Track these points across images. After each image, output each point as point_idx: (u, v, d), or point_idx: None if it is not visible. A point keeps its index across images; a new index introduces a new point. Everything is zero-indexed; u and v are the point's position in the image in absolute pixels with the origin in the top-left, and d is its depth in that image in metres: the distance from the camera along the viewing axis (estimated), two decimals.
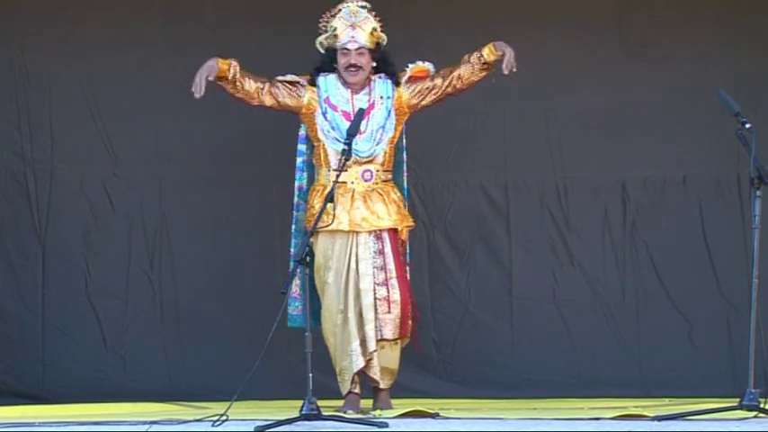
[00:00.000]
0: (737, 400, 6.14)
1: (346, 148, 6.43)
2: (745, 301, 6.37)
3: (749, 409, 6.11)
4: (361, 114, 6.57)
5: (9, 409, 6.93)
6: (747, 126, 6.29)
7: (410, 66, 6.86)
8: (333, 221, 6.53)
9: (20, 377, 7.63)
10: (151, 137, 7.81)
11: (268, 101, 6.79)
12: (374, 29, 6.79)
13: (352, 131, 6.48)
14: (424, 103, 6.84)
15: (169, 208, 7.82)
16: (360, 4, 6.82)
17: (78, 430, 5.74)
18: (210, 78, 6.71)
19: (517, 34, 7.77)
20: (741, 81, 7.71)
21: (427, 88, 6.81)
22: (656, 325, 7.85)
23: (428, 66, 6.86)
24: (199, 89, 6.70)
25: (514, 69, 6.71)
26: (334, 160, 6.68)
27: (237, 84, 6.75)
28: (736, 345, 7.48)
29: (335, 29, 6.79)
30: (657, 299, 7.86)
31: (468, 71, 6.79)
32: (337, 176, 6.45)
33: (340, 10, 6.81)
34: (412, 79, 6.84)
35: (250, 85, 6.76)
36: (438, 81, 6.81)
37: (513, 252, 7.87)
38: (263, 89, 6.77)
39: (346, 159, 6.45)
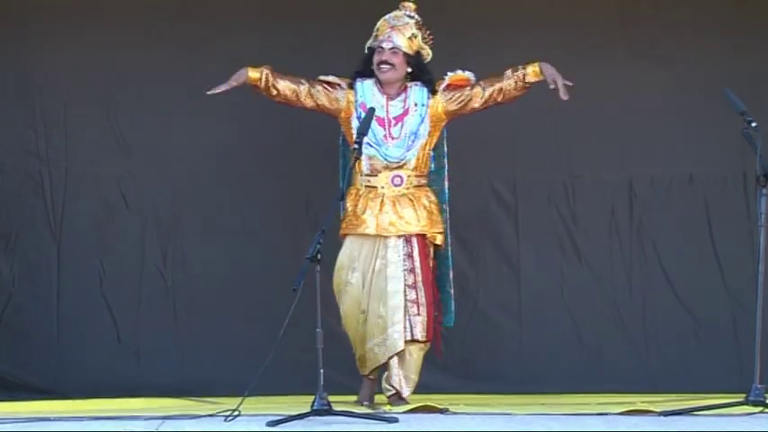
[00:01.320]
0: (743, 395, 6.11)
1: (356, 147, 6.39)
2: (750, 298, 6.33)
3: (755, 404, 6.08)
4: (371, 114, 6.53)
5: (25, 404, 6.94)
6: (753, 125, 6.27)
7: (449, 74, 6.82)
8: (358, 226, 6.61)
9: (35, 372, 7.63)
10: (164, 136, 7.81)
11: (309, 103, 6.74)
12: (413, 35, 6.76)
13: (363, 131, 6.44)
14: (463, 111, 6.80)
15: (182, 205, 7.81)
16: (408, 13, 6.80)
17: (92, 425, 5.71)
18: (236, 84, 6.65)
19: (525, 34, 7.81)
20: (747, 80, 7.69)
21: (467, 96, 6.78)
22: (663, 321, 7.85)
23: (468, 75, 6.82)
24: (215, 89, 6.65)
25: (566, 98, 6.68)
26: (366, 164, 6.68)
27: (272, 90, 6.71)
28: (742, 341, 7.44)
29: (378, 29, 6.78)
30: (664, 295, 7.86)
31: (509, 87, 6.78)
32: (348, 175, 6.42)
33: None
34: (450, 87, 6.80)
35: (285, 90, 6.71)
36: (478, 90, 6.78)
37: (521, 249, 7.87)
38: (300, 92, 6.72)
39: (356, 159, 6.43)
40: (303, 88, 6.72)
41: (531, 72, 6.75)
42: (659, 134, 7.89)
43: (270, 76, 6.71)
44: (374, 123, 6.61)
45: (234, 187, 7.80)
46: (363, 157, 6.63)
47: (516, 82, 6.76)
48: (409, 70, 6.75)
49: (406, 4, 6.84)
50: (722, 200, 7.84)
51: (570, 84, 6.73)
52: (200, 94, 7.69)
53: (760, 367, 6.10)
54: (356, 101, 6.74)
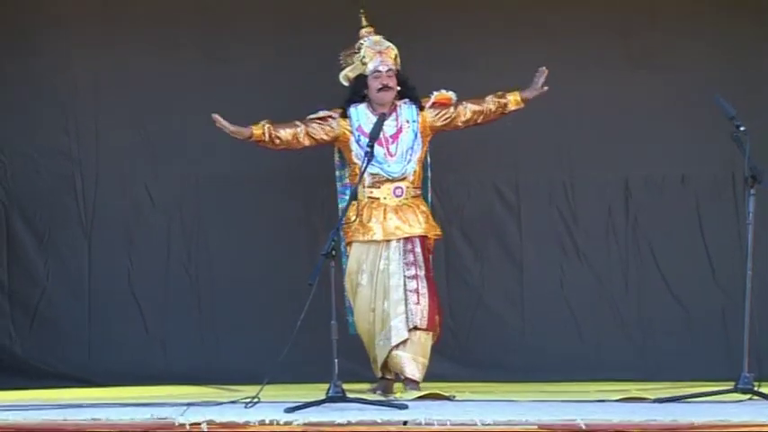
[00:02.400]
0: (733, 383, 6.13)
1: (368, 149, 6.45)
2: (739, 292, 6.35)
3: (744, 392, 6.10)
4: (381, 120, 6.60)
5: (57, 391, 6.96)
6: (742, 129, 6.29)
7: (434, 93, 6.89)
8: (365, 234, 6.70)
9: (67, 361, 7.64)
10: (189, 138, 7.79)
11: (308, 142, 6.84)
12: (396, 55, 6.87)
13: (375, 135, 6.51)
14: (446, 128, 6.91)
15: (206, 204, 7.81)
16: (374, 36, 6.88)
17: (121, 411, 5.74)
18: (238, 136, 6.78)
19: (526, 42, 7.80)
20: (738, 86, 7.68)
21: (453, 114, 6.88)
22: (657, 314, 7.84)
23: (451, 94, 6.91)
24: (221, 121, 6.73)
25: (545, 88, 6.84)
26: (369, 180, 6.76)
27: (275, 140, 6.79)
28: (731, 332, 7.44)
29: (364, 57, 6.85)
30: (658, 289, 7.85)
31: (489, 111, 6.89)
32: (360, 176, 6.47)
33: (361, 44, 6.88)
34: (435, 105, 6.89)
35: (286, 136, 6.80)
36: (461, 110, 6.88)
37: (523, 246, 7.87)
38: (299, 135, 6.81)
39: (369, 161, 6.48)
40: (301, 130, 6.82)
41: (513, 101, 6.87)
42: (653, 137, 7.87)
43: (271, 128, 6.80)
44: (366, 141, 6.68)
45: (254, 187, 7.79)
46: (366, 174, 6.71)
47: (497, 108, 6.88)
48: (398, 88, 6.84)
49: (366, 31, 6.91)
50: (713, 199, 7.83)
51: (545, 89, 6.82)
52: (222, 98, 7.77)
53: (748, 357, 6.12)
54: (352, 126, 6.81)
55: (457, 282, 7.83)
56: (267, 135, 6.79)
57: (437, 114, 6.88)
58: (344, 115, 6.86)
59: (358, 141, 6.79)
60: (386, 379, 6.80)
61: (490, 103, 6.87)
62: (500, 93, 6.88)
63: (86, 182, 7.76)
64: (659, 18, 7.91)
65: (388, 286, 6.71)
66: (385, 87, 6.79)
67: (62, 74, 7.78)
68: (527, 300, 7.83)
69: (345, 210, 6.62)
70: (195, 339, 7.72)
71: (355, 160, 6.80)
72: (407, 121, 6.84)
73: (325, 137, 6.84)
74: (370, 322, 6.75)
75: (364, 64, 6.85)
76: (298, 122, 6.84)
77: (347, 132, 6.82)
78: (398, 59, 6.88)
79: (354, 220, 6.64)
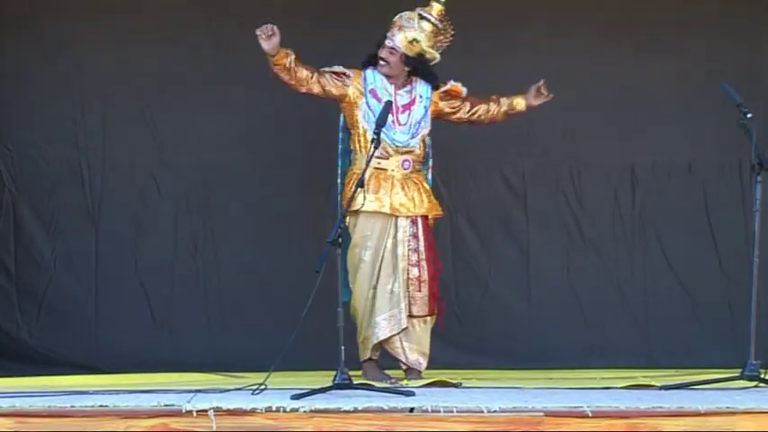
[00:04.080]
0: (739, 370, 6.13)
1: (375, 137, 6.43)
2: (745, 279, 6.35)
3: (750, 379, 6.10)
4: (388, 107, 6.58)
5: (65, 378, 6.95)
6: (749, 116, 6.29)
7: (451, 82, 6.86)
8: (373, 203, 6.61)
9: (75, 349, 7.63)
10: (194, 127, 7.79)
11: (316, 89, 6.78)
12: (415, 39, 6.77)
13: (381, 122, 6.49)
14: (449, 118, 6.91)
15: (211, 193, 7.81)
16: (425, 15, 6.80)
17: (128, 398, 5.74)
18: (268, 45, 6.62)
19: (533, 29, 7.79)
20: (744, 72, 7.67)
21: (457, 106, 6.88)
22: (663, 300, 7.83)
23: (463, 88, 6.89)
24: (265, 32, 6.62)
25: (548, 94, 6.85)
26: (382, 149, 6.68)
27: (292, 71, 6.73)
28: (737, 319, 7.45)
29: (391, 24, 6.81)
30: (664, 276, 7.84)
31: (494, 112, 6.89)
32: (367, 164, 6.45)
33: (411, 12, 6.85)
34: (449, 93, 6.87)
35: (302, 73, 6.75)
36: (467, 106, 6.88)
37: (530, 233, 7.86)
38: (312, 78, 6.76)
39: (375, 148, 6.46)
40: (314, 75, 6.77)
41: (518, 105, 6.88)
42: (660, 124, 7.86)
43: (293, 59, 6.73)
44: (379, 106, 6.66)
45: (260, 175, 7.79)
46: (370, 140, 6.64)
47: (501, 110, 6.89)
48: (407, 69, 6.80)
49: (434, 5, 6.86)
50: (719, 186, 7.82)
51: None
52: (228, 87, 7.77)
53: (755, 344, 6.12)
54: (365, 87, 6.77)
55: (463, 268, 7.82)
56: (288, 62, 6.70)
57: (446, 102, 6.87)
58: (359, 74, 6.80)
59: (368, 104, 6.75)
60: (371, 360, 6.74)
61: (497, 104, 6.86)
62: (504, 96, 6.85)
63: (93, 170, 7.75)
64: (665, 4, 7.88)
65: (396, 267, 6.67)
66: (381, 60, 6.77)
67: (69, 62, 7.77)
68: (533, 286, 7.83)
69: (344, 174, 6.57)
70: (202, 326, 7.72)
71: (362, 123, 6.74)
72: (420, 96, 6.82)
73: (333, 90, 6.76)
74: (368, 299, 6.68)
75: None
76: (313, 68, 6.77)
77: (358, 92, 6.76)
78: (420, 45, 6.77)
79: (358, 189, 6.49)
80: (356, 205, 6.58)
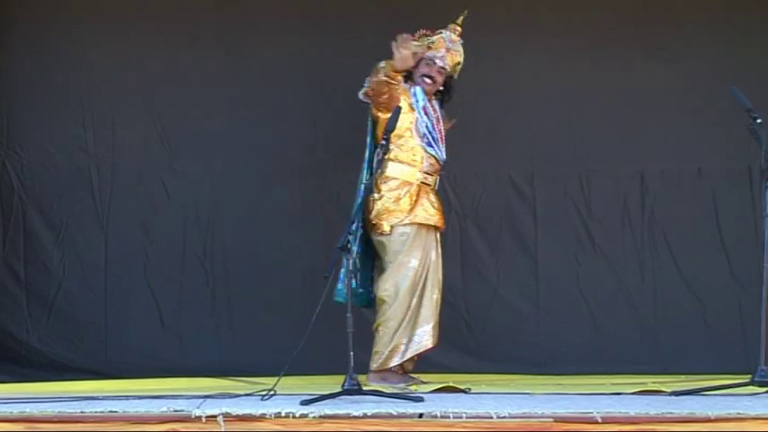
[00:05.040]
0: (749, 376, 6.11)
1: (385, 143, 6.42)
2: (755, 285, 6.33)
3: (761, 384, 6.08)
4: (398, 113, 6.57)
5: (74, 383, 6.96)
6: (759, 121, 6.27)
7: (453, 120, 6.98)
8: (424, 214, 6.67)
9: (84, 354, 7.65)
10: (203, 133, 7.81)
11: (393, 102, 6.62)
12: (459, 63, 6.86)
13: (391, 128, 6.46)
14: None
15: (221, 198, 7.82)
16: (461, 42, 6.86)
17: (137, 403, 5.74)
18: (403, 63, 6.51)
19: (543, 35, 7.79)
20: (753, 77, 7.65)
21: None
22: (673, 306, 7.82)
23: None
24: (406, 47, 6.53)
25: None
26: (426, 163, 6.74)
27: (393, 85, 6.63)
28: (748, 325, 7.43)
29: (433, 42, 6.82)
30: (674, 282, 7.83)
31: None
32: (375, 170, 6.46)
33: (440, 33, 6.85)
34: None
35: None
36: None
37: (538, 238, 7.86)
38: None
39: (384, 153, 6.45)
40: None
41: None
42: (669, 130, 7.86)
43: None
44: (429, 124, 6.70)
45: (269, 181, 7.79)
46: (425, 155, 6.73)
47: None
48: (441, 89, 6.86)
49: (453, 27, 6.89)
50: (729, 192, 7.81)
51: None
52: (238, 93, 7.78)
53: (765, 350, 6.10)
54: (416, 103, 6.78)
55: (472, 274, 7.82)
56: (400, 78, 6.65)
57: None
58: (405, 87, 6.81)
59: (421, 119, 6.75)
60: (404, 372, 6.76)
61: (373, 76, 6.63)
62: None
63: (102, 176, 7.77)
64: (674, 10, 7.89)
65: (439, 281, 6.74)
66: (430, 78, 6.77)
67: (78, 68, 7.79)
68: (542, 292, 7.82)
69: (371, 187, 6.57)
70: (211, 332, 7.73)
71: (415, 136, 6.71)
72: (440, 116, 6.91)
73: (397, 102, 6.61)
74: (411, 309, 6.67)
75: (429, 48, 6.81)
76: None
77: (407, 106, 6.73)
78: (458, 69, 6.87)
79: (403, 201, 6.58)
80: (399, 216, 6.63)
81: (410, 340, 6.67)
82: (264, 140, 7.83)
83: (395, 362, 6.69)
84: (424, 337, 6.68)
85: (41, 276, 7.73)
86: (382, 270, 6.72)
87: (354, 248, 6.39)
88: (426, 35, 6.85)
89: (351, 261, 6.13)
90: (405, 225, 6.66)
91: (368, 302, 6.80)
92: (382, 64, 6.55)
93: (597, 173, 7.90)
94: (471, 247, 7.84)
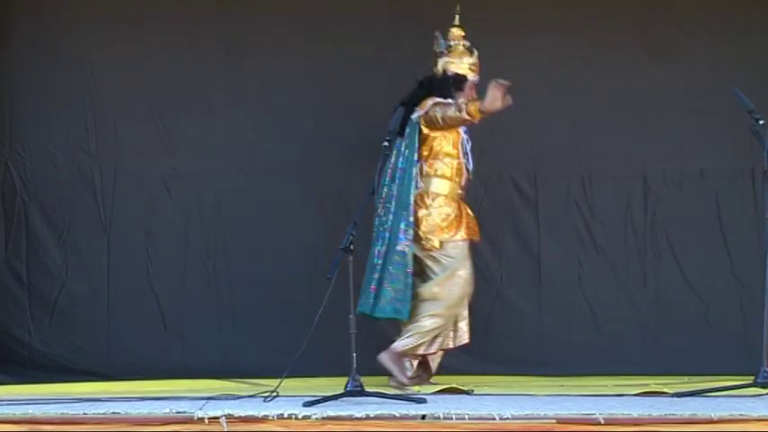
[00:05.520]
0: (752, 377, 6.11)
1: (387, 145, 6.43)
2: (758, 285, 6.34)
3: (763, 386, 6.09)
4: (401, 113, 6.58)
5: (77, 385, 6.98)
6: (761, 122, 6.28)
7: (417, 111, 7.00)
8: (470, 230, 6.93)
9: (87, 356, 7.64)
10: (206, 133, 7.80)
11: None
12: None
13: (395, 128, 6.48)
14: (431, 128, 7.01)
15: (223, 199, 7.80)
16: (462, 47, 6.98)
17: (140, 405, 5.74)
18: (499, 105, 6.67)
19: (545, 36, 7.78)
20: (757, 79, 7.65)
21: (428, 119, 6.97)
22: (675, 308, 7.81)
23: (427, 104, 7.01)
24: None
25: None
26: (464, 178, 6.97)
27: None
28: (750, 326, 7.41)
29: (474, 64, 6.97)
30: (676, 283, 7.82)
31: (449, 118, 6.84)
32: (379, 175, 6.49)
33: (455, 45, 6.98)
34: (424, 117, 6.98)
35: None
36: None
37: (541, 240, 7.85)
38: None
39: (386, 157, 6.48)
40: None
41: (472, 110, 6.79)
42: (672, 131, 7.85)
43: None
44: (465, 138, 6.92)
45: (271, 182, 7.79)
46: (464, 171, 6.95)
47: (458, 116, 6.83)
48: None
49: (458, 33, 6.99)
50: (731, 193, 7.79)
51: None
52: (240, 94, 7.78)
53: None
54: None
55: (475, 275, 7.79)
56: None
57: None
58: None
59: (464, 137, 6.96)
60: (429, 371, 6.91)
61: (452, 110, 6.82)
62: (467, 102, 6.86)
63: (105, 177, 7.76)
64: (675, 11, 7.88)
65: (468, 293, 6.96)
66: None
67: (81, 69, 7.78)
68: (545, 294, 7.81)
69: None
70: (214, 333, 7.72)
71: (460, 156, 6.92)
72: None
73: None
74: (459, 315, 6.92)
75: (472, 71, 6.96)
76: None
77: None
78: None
79: (466, 216, 6.87)
80: (450, 232, 6.84)
81: (452, 336, 6.90)
82: (266, 141, 7.82)
83: (422, 351, 6.81)
84: (459, 333, 6.91)
85: (44, 277, 7.72)
86: (427, 279, 6.87)
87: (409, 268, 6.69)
88: (441, 38, 6.95)
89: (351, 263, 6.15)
90: (456, 241, 6.86)
91: (393, 313, 6.82)
92: (462, 100, 6.74)
93: (599, 173, 7.90)
94: (474, 249, 7.81)
